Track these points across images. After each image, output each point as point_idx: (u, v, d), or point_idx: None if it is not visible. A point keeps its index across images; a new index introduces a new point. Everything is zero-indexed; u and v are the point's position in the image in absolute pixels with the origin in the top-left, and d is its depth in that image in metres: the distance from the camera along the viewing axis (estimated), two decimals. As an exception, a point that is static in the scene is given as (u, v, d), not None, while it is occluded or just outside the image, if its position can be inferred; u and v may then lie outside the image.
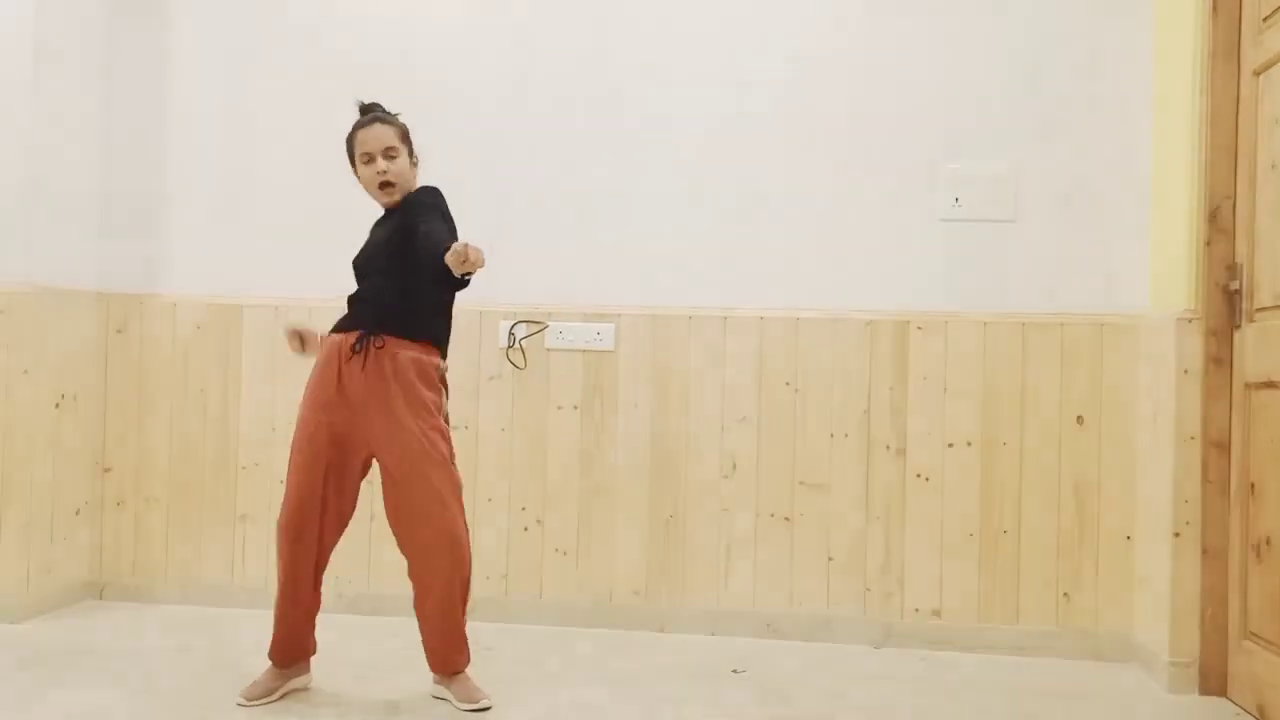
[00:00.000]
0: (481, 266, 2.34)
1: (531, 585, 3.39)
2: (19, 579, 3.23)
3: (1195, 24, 2.87)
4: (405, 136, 2.66)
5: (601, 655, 3.06)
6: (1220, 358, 2.84)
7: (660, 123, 3.39)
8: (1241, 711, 2.71)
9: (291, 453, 2.58)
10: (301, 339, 2.66)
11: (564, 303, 3.39)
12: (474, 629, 2.59)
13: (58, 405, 3.35)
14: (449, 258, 2.30)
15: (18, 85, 3.24)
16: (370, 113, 2.68)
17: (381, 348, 2.51)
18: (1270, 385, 2.64)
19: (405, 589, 3.35)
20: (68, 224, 3.42)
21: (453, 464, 2.55)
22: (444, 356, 2.63)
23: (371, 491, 3.40)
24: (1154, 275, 3.13)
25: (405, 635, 3.14)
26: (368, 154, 2.61)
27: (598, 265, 3.40)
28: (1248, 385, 2.75)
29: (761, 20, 3.36)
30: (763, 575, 3.30)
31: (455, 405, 3.37)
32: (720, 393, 3.33)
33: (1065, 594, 3.17)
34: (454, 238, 2.52)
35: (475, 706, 2.52)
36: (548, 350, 3.39)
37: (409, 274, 2.53)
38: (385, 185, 2.60)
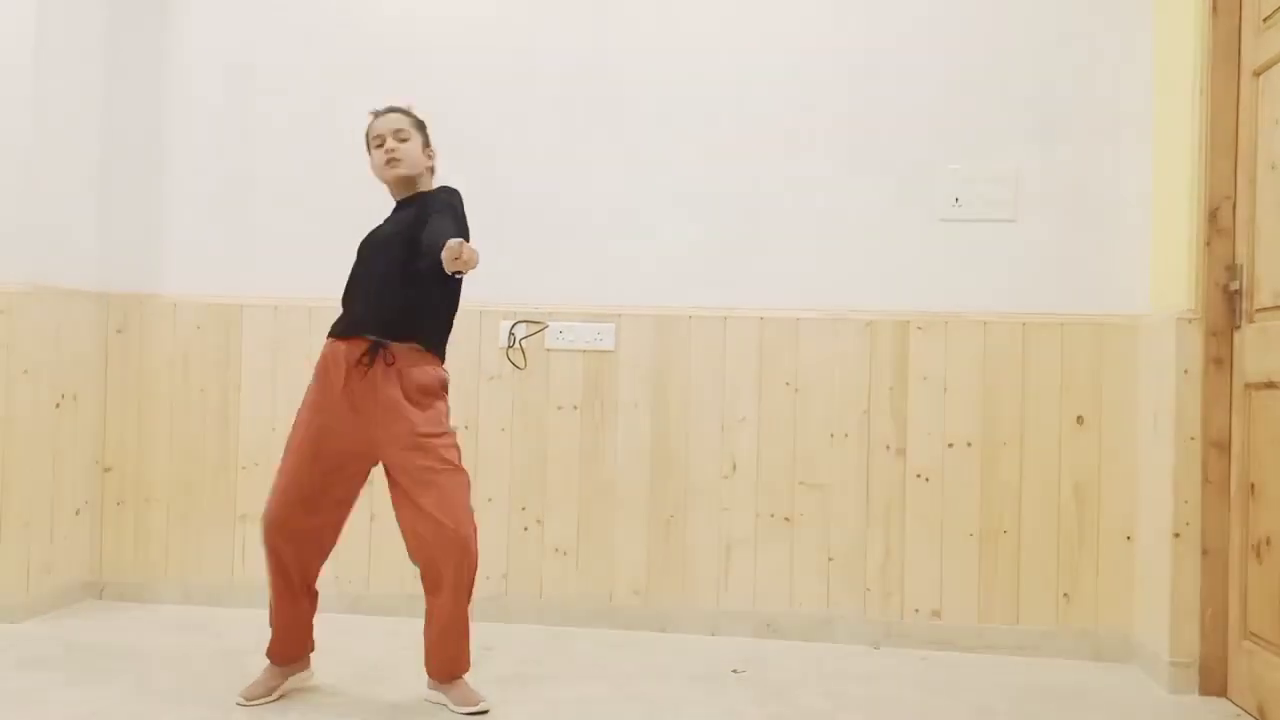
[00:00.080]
0: (473, 268, 2.33)
1: (531, 585, 3.39)
2: (19, 578, 3.23)
3: (1195, 25, 2.87)
4: (420, 126, 2.68)
5: (601, 655, 3.06)
6: (1220, 358, 2.84)
7: (660, 122, 3.39)
8: (1241, 712, 2.71)
9: (286, 451, 2.57)
10: None
11: (564, 303, 3.39)
12: (473, 629, 2.58)
13: (58, 405, 3.35)
14: (444, 253, 2.30)
15: (18, 85, 3.24)
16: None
17: (391, 364, 2.50)
18: (1270, 386, 2.64)
19: (405, 589, 3.37)
20: (68, 224, 3.42)
21: (462, 469, 2.55)
22: (443, 360, 2.62)
23: (371, 492, 3.40)
24: (1154, 275, 3.13)
25: (406, 635, 3.14)
26: (379, 136, 2.63)
27: (598, 265, 3.40)
28: (1248, 386, 2.75)
29: (762, 20, 3.36)
30: (763, 575, 3.31)
31: (455, 405, 3.37)
32: (720, 393, 3.33)
33: (1065, 594, 3.17)
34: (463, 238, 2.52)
35: (472, 709, 2.51)
36: (548, 350, 3.39)
37: (414, 280, 2.53)
38: (391, 161, 2.60)
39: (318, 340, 3.41)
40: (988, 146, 3.26)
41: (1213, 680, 2.82)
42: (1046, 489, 3.19)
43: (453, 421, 2.62)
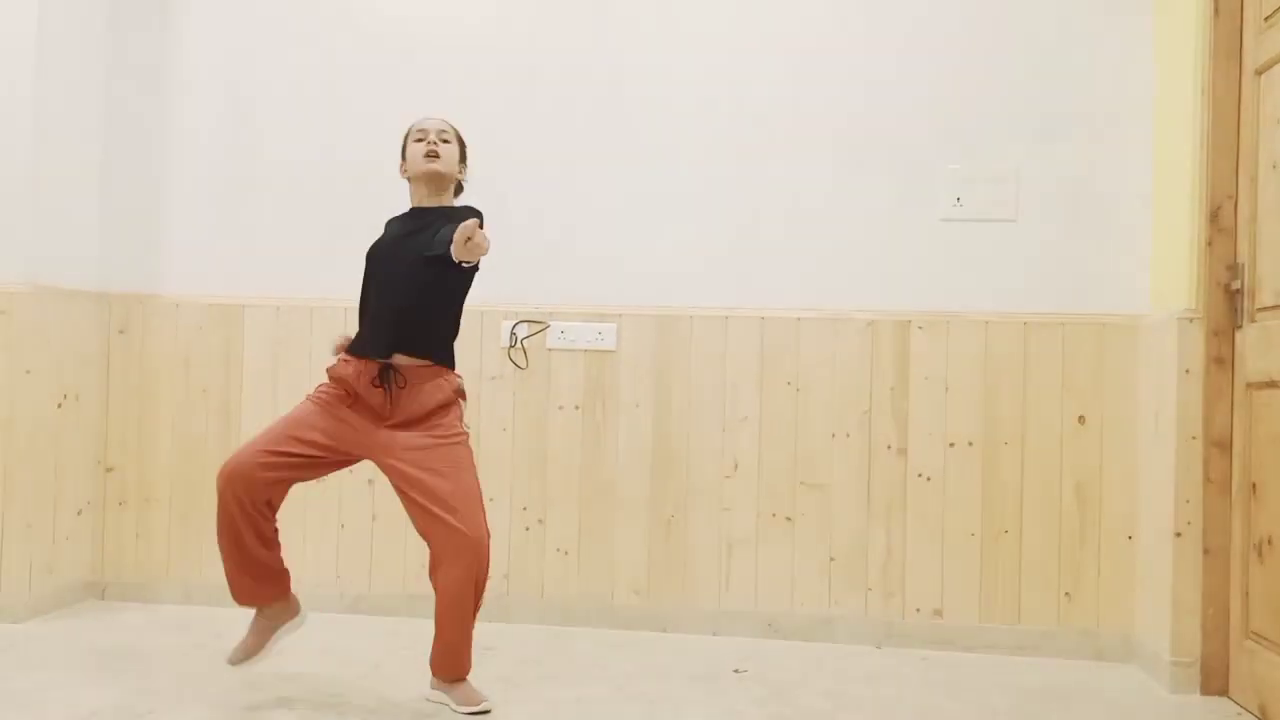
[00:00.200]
0: (484, 254, 2.35)
1: (532, 585, 3.39)
2: (21, 579, 3.23)
3: (1197, 24, 2.87)
4: (461, 141, 2.70)
5: (602, 655, 3.06)
6: (1222, 357, 2.84)
7: (662, 122, 3.39)
8: (1243, 711, 2.71)
9: (278, 422, 2.54)
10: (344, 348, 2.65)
11: (565, 303, 3.40)
12: (475, 629, 2.58)
13: (60, 405, 3.35)
14: (456, 234, 2.30)
15: (20, 86, 3.24)
16: None
17: (403, 387, 2.52)
18: (1272, 385, 2.64)
19: (406, 589, 3.37)
20: (70, 225, 3.42)
21: (474, 473, 2.55)
22: (454, 365, 2.63)
23: (374, 492, 3.42)
24: (1155, 275, 3.13)
25: (407, 635, 3.15)
26: (422, 131, 2.63)
27: (599, 265, 3.40)
28: (1249, 385, 2.75)
29: (764, 21, 3.36)
30: (764, 575, 3.31)
31: (456, 405, 3.38)
32: (721, 392, 3.33)
33: (1066, 594, 3.17)
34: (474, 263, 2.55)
35: (474, 709, 2.51)
36: (549, 350, 3.40)
37: (432, 300, 2.55)
38: (431, 155, 2.60)
39: (319, 340, 3.44)
40: (989, 146, 3.26)
41: (1214, 680, 2.82)
42: (1048, 489, 3.19)
43: (465, 421, 2.62)
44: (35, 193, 3.27)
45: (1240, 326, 2.80)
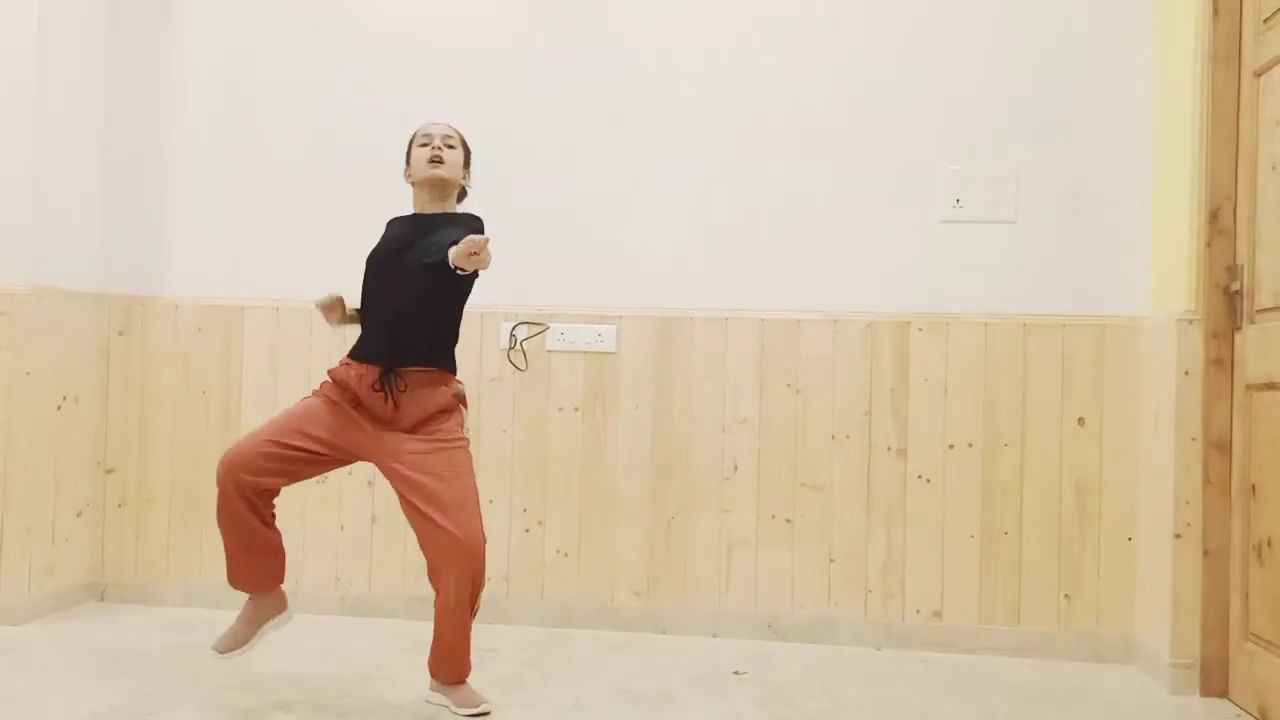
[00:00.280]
0: (483, 268, 2.37)
1: (533, 586, 3.39)
2: (21, 580, 3.23)
3: (1196, 25, 2.87)
4: (466, 147, 2.70)
5: (602, 656, 3.06)
6: (1221, 359, 2.84)
7: (661, 123, 3.40)
8: (1243, 713, 2.71)
9: (277, 418, 2.54)
10: (335, 307, 2.62)
11: (565, 304, 3.40)
12: (474, 630, 2.58)
13: (59, 407, 3.35)
14: (462, 244, 2.31)
15: (20, 88, 3.24)
16: None
17: (404, 391, 2.52)
18: (1271, 387, 2.64)
19: (406, 591, 3.37)
20: (69, 226, 3.42)
21: (472, 477, 2.55)
22: (455, 370, 2.64)
23: (373, 494, 3.42)
24: (1155, 276, 3.13)
25: (407, 637, 3.15)
26: (427, 136, 2.64)
27: (599, 267, 3.40)
28: (1249, 386, 2.75)
29: (763, 22, 3.36)
30: (764, 576, 3.31)
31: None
32: (721, 394, 3.33)
33: (1066, 595, 3.17)
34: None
35: (474, 711, 2.51)
36: (549, 352, 3.40)
37: (435, 310, 2.56)
38: (435, 160, 2.60)
39: (319, 342, 3.44)
40: (988, 147, 3.26)
41: (1214, 681, 2.82)
42: (1047, 490, 3.19)
43: (467, 426, 2.62)
44: (35, 194, 3.27)
45: (1240, 328, 2.80)
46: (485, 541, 2.48)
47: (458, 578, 2.44)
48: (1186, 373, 2.86)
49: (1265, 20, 2.71)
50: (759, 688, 2.81)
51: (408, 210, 2.70)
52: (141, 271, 3.57)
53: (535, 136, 3.44)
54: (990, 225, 3.26)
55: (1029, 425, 3.21)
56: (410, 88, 3.47)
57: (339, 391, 2.56)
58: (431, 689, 2.59)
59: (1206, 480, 2.84)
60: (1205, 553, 2.84)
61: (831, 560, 3.28)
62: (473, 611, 2.51)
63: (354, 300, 2.68)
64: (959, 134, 3.27)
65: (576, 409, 3.38)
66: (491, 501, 3.38)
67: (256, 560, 2.55)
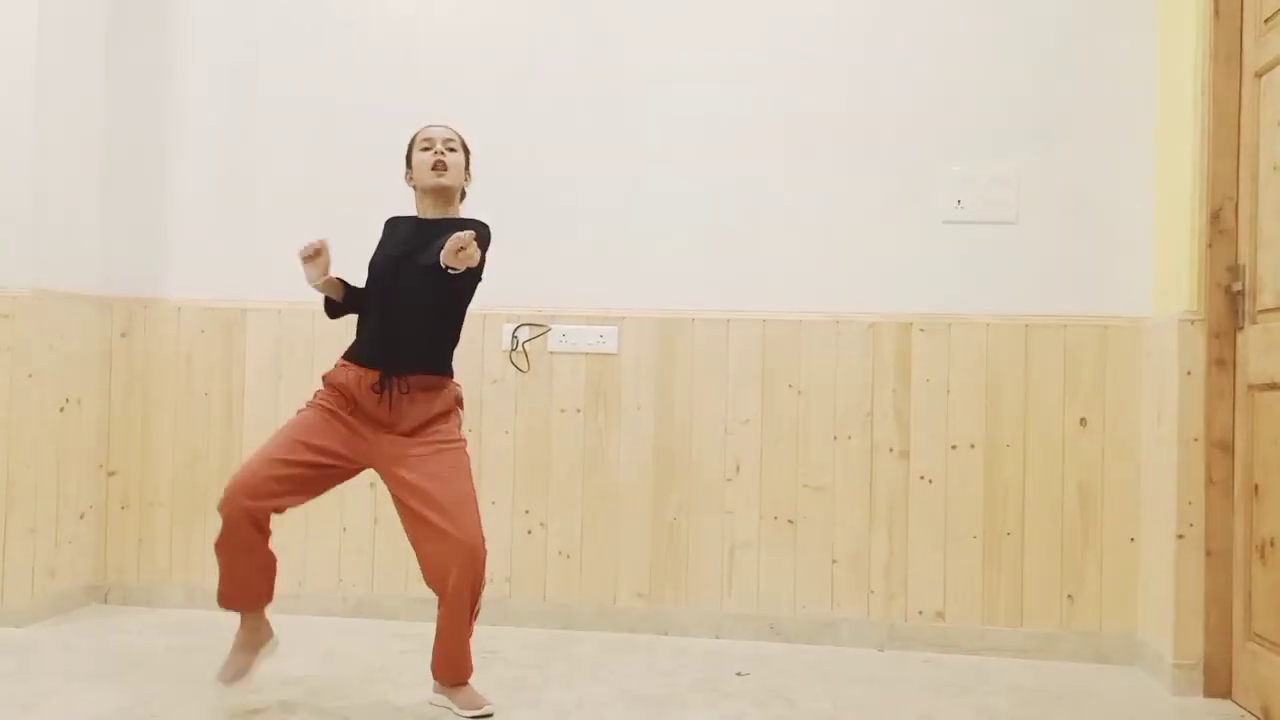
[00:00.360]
0: (470, 266, 2.35)
1: (535, 588, 3.39)
2: (23, 582, 3.23)
3: (1197, 26, 2.88)
4: (466, 149, 2.70)
5: (605, 658, 3.06)
6: (1223, 359, 2.84)
7: (662, 124, 3.40)
8: (1246, 713, 2.71)
9: (281, 433, 2.51)
10: (317, 253, 2.57)
11: (567, 306, 3.40)
12: (477, 632, 2.58)
13: (62, 409, 3.36)
14: (449, 243, 2.30)
15: (22, 91, 3.25)
16: None
17: (406, 393, 2.52)
18: (1273, 387, 2.64)
19: (409, 592, 3.37)
20: (72, 229, 3.43)
21: (469, 478, 2.55)
22: (452, 375, 2.64)
23: (375, 496, 3.42)
24: (1156, 277, 3.13)
25: (410, 638, 3.15)
26: (428, 140, 2.63)
27: (601, 268, 3.40)
28: (1251, 387, 2.75)
29: (765, 23, 3.37)
30: (766, 578, 3.31)
31: (458, 408, 3.38)
32: (723, 395, 3.33)
33: (1069, 596, 3.17)
34: (478, 273, 2.55)
35: (477, 713, 2.51)
36: (551, 353, 3.40)
37: (443, 319, 2.57)
38: (438, 165, 2.60)
39: (321, 343, 3.44)
40: (990, 148, 3.26)
41: (1217, 682, 2.81)
42: (1050, 491, 3.19)
43: (463, 430, 2.63)
44: (37, 197, 3.27)
45: (1242, 328, 2.80)
46: (484, 541, 2.48)
47: (458, 579, 2.44)
48: (1189, 373, 2.86)
49: (1266, 21, 2.71)
50: (761, 689, 2.81)
51: (408, 210, 2.70)
52: (143, 274, 3.57)
53: (536, 137, 3.44)
54: (992, 226, 3.26)
55: (1031, 426, 3.20)
56: (411, 88, 3.47)
57: (335, 397, 2.55)
58: (434, 690, 2.59)
59: (1209, 480, 2.84)
60: (1208, 553, 2.83)
61: (834, 561, 3.28)
62: (474, 613, 2.51)
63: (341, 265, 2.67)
64: (960, 135, 3.28)
65: (578, 410, 3.38)
66: (494, 503, 3.39)
67: (255, 581, 2.55)
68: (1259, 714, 2.65)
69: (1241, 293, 2.79)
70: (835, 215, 3.33)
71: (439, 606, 2.50)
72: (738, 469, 3.32)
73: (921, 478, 3.24)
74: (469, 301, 2.64)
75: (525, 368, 3.40)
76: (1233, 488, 2.82)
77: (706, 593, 3.32)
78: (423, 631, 2.92)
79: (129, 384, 3.56)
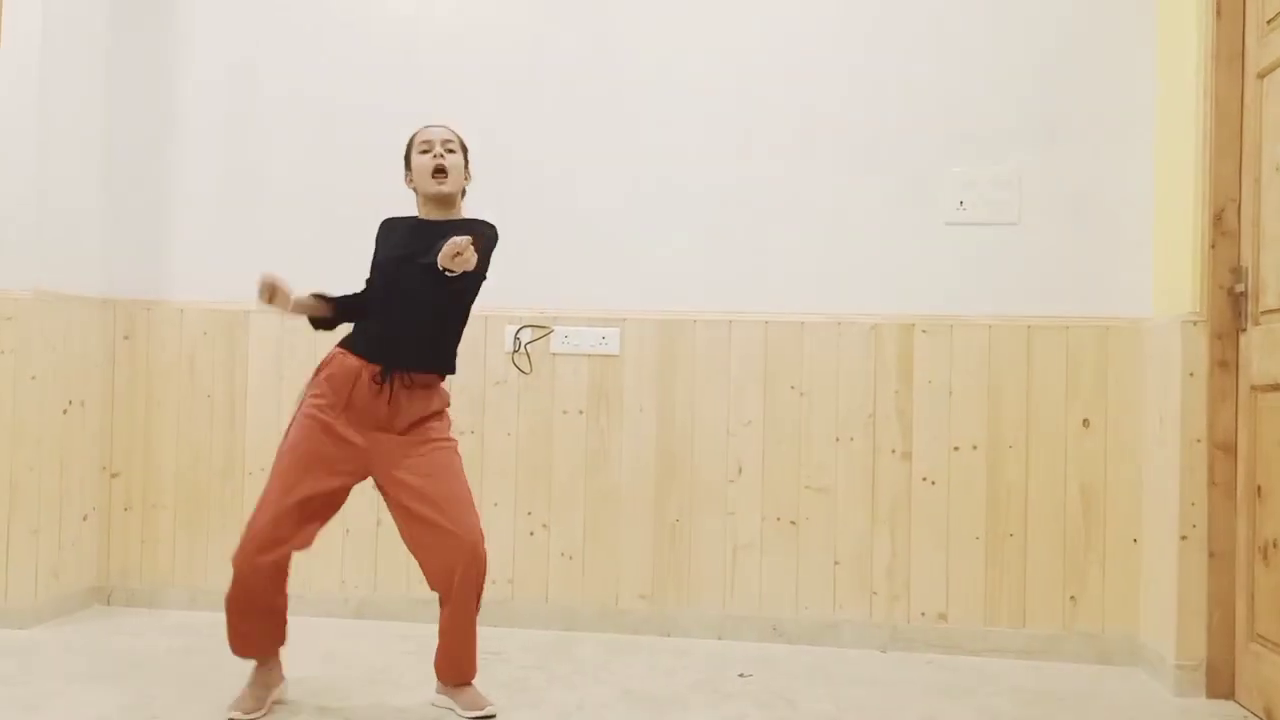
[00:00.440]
0: (465, 269, 2.34)
1: (537, 589, 3.39)
2: (27, 584, 3.24)
3: (1199, 27, 2.87)
4: (464, 148, 2.68)
5: (607, 659, 3.06)
6: (1226, 360, 2.84)
7: (665, 127, 3.40)
8: (1249, 714, 2.70)
9: (285, 460, 2.50)
10: (273, 292, 2.54)
11: (569, 307, 3.40)
12: (479, 633, 2.58)
13: (65, 411, 3.36)
14: (446, 245, 2.30)
15: (24, 93, 3.25)
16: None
17: (408, 386, 2.53)
18: (1276, 388, 2.64)
19: (412, 594, 3.37)
20: (75, 231, 3.43)
21: (464, 477, 2.56)
22: (454, 371, 2.66)
23: (377, 498, 3.40)
24: (1159, 278, 3.13)
25: (412, 640, 3.15)
26: (427, 143, 2.61)
27: (603, 270, 3.40)
28: (1254, 388, 2.75)
29: (767, 24, 3.37)
30: (769, 579, 3.31)
31: (461, 410, 3.39)
32: (725, 397, 3.33)
33: (1072, 597, 3.17)
34: (481, 273, 2.56)
35: (480, 713, 2.51)
36: (553, 355, 3.40)
37: (449, 311, 2.58)
38: (439, 171, 2.59)
39: (324, 345, 3.41)
40: (992, 149, 3.26)
41: (1220, 683, 2.81)
42: (1052, 492, 3.19)
43: (458, 427, 2.64)
44: (39, 199, 3.28)
45: (1244, 329, 2.79)
46: (483, 539, 2.49)
47: (462, 578, 2.45)
48: (1191, 374, 2.86)
49: (1269, 22, 2.71)
50: (764, 690, 2.81)
51: (408, 210, 2.70)
52: (146, 276, 3.58)
53: (537, 138, 3.44)
54: (994, 227, 3.26)
55: (1033, 427, 3.20)
56: (413, 89, 3.47)
57: (330, 392, 2.52)
58: (437, 691, 2.60)
59: (1211, 482, 2.84)
60: (1211, 554, 2.83)
61: (836, 563, 3.28)
62: (475, 611, 2.52)
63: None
64: (962, 136, 3.28)
65: (581, 412, 3.38)
66: (496, 504, 3.39)
67: (267, 631, 2.55)
68: (1262, 715, 2.65)
69: (1244, 294, 2.79)
70: (837, 216, 3.33)
71: (442, 607, 2.51)
72: (740, 470, 3.32)
73: (924, 479, 3.24)
74: (473, 300, 2.64)
75: (527, 369, 3.40)
76: (1235, 489, 2.82)
77: (709, 594, 3.32)
78: (425, 633, 2.92)
79: (132, 386, 3.56)
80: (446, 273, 2.37)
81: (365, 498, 3.42)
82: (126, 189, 3.58)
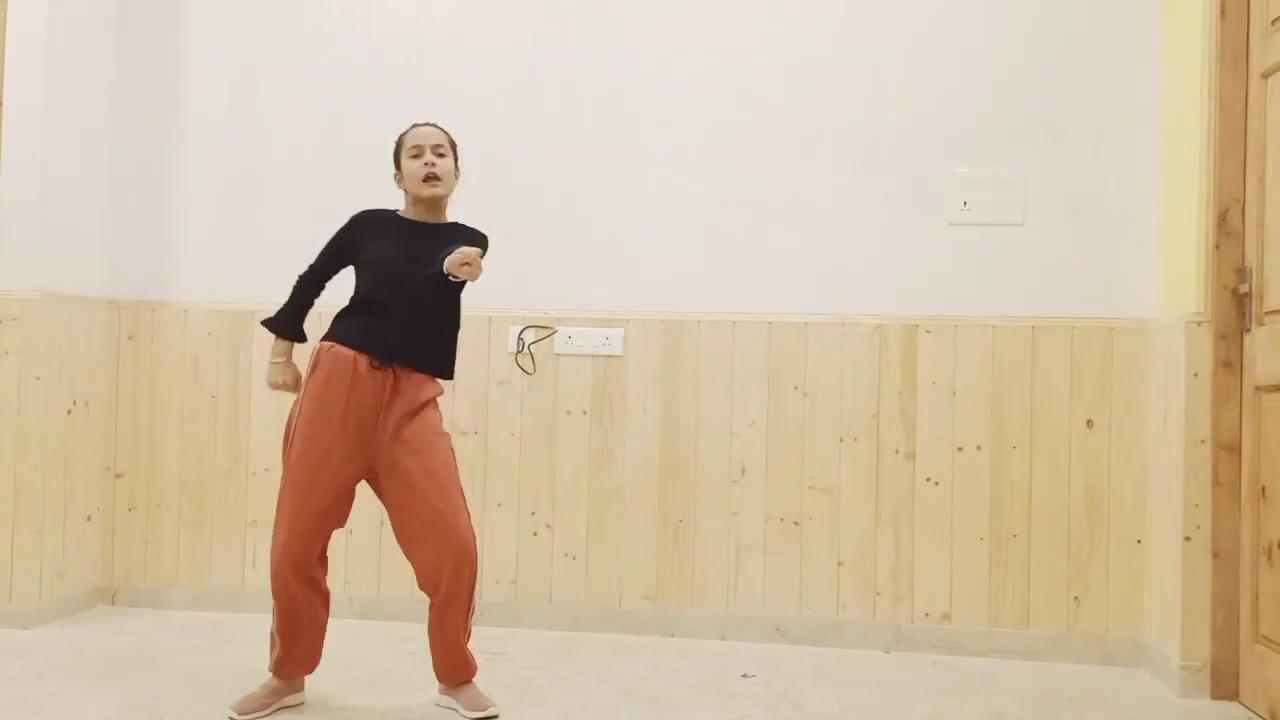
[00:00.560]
0: (472, 279, 2.39)
1: (541, 589, 3.39)
2: (31, 584, 3.24)
3: (1203, 27, 2.87)
4: (455, 147, 2.67)
5: (610, 660, 3.06)
6: (1230, 361, 2.83)
7: (667, 127, 3.40)
8: (1253, 715, 2.70)
9: (295, 472, 2.49)
10: (284, 386, 2.72)
11: (573, 308, 3.40)
12: (482, 634, 2.59)
13: (69, 412, 3.37)
14: (456, 254, 2.32)
15: (30, 95, 3.26)
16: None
17: (408, 375, 2.53)
18: (1280, 388, 2.64)
19: (415, 594, 3.37)
20: (78, 231, 3.44)
21: (457, 473, 2.56)
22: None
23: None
24: (1163, 278, 3.12)
25: (415, 641, 3.15)
26: (418, 147, 2.59)
27: (606, 270, 3.40)
28: (1258, 388, 2.75)
29: (770, 25, 3.37)
30: (772, 579, 3.30)
31: (464, 410, 3.39)
32: (729, 397, 3.33)
33: (1075, 598, 3.17)
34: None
35: (482, 714, 2.51)
36: (557, 355, 3.40)
37: (448, 312, 2.58)
38: (430, 178, 2.58)
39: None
40: (996, 150, 3.26)
41: (1224, 684, 2.81)
42: (1056, 492, 3.19)
43: (460, 427, 2.64)
44: (44, 200, 3.28)
45: (1248, 330, 2.79)
46: (474, 536, 2.50)
47: (454, 577, 2.46)
48: (1195, 375, 2.85)
49: (1273, 22, 2.70)
50: (767, 691, 2.81)
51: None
52: (150, 276, 3.58)
53: (538, 138, 3.44)
54: (998, 227, 3.25)
55: (1037, 427, 3.20)
56: (413, 89, 3.47)
57: (331, 390, 2.50)
58: (440, 693, 2.60)
59: (1216, 482, 2.83)
60: (1215, 555, 2.83)
61: (840, 563, 3.28)
62: (469, 610, 2.52)
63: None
64: (966, 136, 3.27)
65: (584, 412, 3.38)
66: (499, 505, 3.39)
67: (313, 651, 2.57)
68: (1266, 716, 2.64)
69: (1248, 294, 2.78)
70: (838, 216, 3.32)
71: (431, 609, 2.52)
72: (743, 471, 3.32)
73: (928, 479, 3.24)
74: (461, 291, 2.64)
75: (531, 370, 3.40)
76: (1240, 489, 2.81)
77: (712, 594, 3.32)
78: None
79: (136, 386, 3.57)
80: (451, 278, 2.40)
81: (369, 499, 3.43)
82: (130, 190, 3.59)
